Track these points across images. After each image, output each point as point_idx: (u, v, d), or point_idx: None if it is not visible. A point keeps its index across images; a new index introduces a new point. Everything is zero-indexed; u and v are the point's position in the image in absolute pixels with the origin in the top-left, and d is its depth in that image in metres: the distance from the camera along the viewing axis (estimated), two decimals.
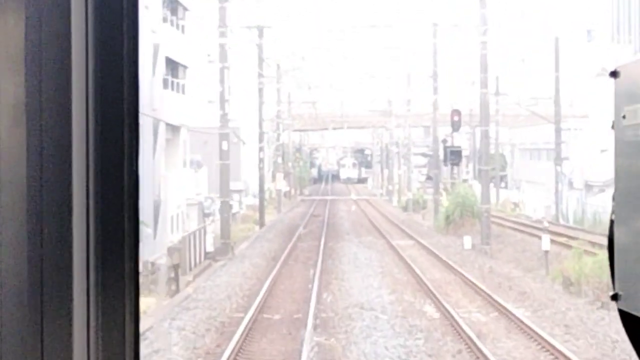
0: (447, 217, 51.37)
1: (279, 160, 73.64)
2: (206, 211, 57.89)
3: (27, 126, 1.66)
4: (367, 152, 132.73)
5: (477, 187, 56.17)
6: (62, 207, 1.66)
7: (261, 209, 57.07)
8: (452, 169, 58.21)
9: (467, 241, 42.45)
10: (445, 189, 59.77)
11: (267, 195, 72.47)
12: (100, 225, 1.70)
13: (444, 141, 58.17)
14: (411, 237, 46.98)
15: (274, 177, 72.95)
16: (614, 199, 2.47)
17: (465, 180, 63.52)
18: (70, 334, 1.66)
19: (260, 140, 56.90)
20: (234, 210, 63.33)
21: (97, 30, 1.70)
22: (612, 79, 2.47)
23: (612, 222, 2.47)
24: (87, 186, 1.69)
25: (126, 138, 1.72)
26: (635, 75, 2.38)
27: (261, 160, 56.82)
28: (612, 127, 2.45)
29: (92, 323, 1.68)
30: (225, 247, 39.20)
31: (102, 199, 1.70)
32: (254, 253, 39.15)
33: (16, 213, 1.65)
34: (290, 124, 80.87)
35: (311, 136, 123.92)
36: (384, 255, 38.39)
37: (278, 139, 73.23)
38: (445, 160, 56.53)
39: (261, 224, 56.23)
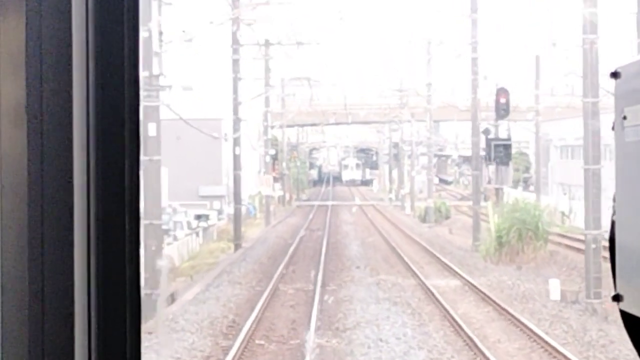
0: (499, 238, 33.71)
1: (268, 159, 55.98)
2: (164, 226, 41.15)
3: (28, 128, 1.60)
4: (371, 152, 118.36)
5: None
6: (63, 208, 1.60)
7: (236, 226, 39.13)
8: (497, 169, 40.26)
9: (555, 288, 24.49)
10: (486, 197, 41.96)
11: (256, 202, 57.63)
12: (102, 228, 1.63)
13: (486, 131, 40.26)
14: (454, 273, 29.15)
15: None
16: (614, 199, 2.35)
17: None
18: (71, 337, 1.60)
19: (235, 130, 38.89)
20: (210, 222, 48.53)
21: (98, 31, 1.65)
22: (613, 80, 2.36)
23: (613, 222, 2.35)
24: (88, 188, 1.63)
25: (127, 140, 1.65)
26: (636, 76, 2.30)
27: (237, 158, 38.81)
28: (613, 128, 2.34)
29: (94, 326, 1.62)
30: (147, 304, 21.11)
31: (103, 201, 1.64)
32: (198, 316, 21.08)
33: (17, 215, 1.60)
34: (283, 112, 62.69)
35: (310, 134, 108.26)
36: (426, 323, 20.42)
37: (266, 133, 55.39)
38: (489, 158, 38.83)
39: (237, 245, 38.34)
